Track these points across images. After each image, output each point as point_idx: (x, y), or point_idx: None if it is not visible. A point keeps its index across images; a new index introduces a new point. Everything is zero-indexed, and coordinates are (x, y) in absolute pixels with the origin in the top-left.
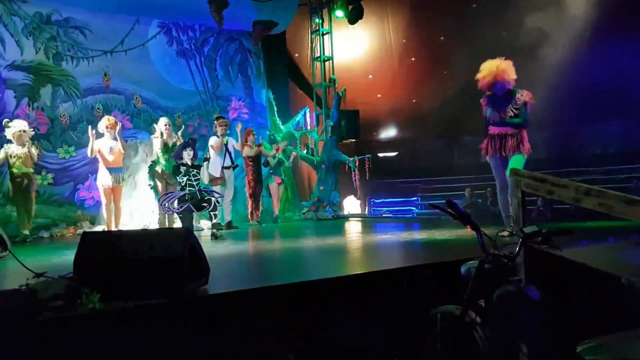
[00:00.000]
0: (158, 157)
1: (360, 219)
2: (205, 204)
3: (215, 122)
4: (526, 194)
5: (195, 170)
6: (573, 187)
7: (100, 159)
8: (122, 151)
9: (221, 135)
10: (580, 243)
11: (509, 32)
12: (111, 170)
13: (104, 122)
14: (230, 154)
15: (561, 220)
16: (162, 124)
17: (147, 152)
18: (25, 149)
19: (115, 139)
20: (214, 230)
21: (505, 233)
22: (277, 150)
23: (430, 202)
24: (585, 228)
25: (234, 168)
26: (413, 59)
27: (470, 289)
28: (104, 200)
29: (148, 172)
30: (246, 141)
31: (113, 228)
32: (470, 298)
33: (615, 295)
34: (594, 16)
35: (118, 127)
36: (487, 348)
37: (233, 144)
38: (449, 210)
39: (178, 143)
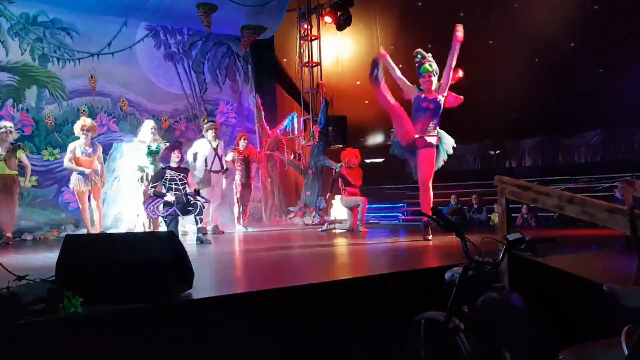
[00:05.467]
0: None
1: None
2: (191, 208)
3: (206, 125)
4: (510, 202)
5: (181, 174)
6: (556, 195)
7: (73, 162)
8: (96, 155)
9: (213, 139)
10: (563, 251)
11: (495, 40)
12: (83, 173)
13: (79, 124)
14: (220, 158)
15: (545, 228)
16: (147, 127)
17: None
18: (9, 150)
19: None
20: (200, 235)
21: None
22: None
23: (416, 208)
24: (568, 236)
25: (223, 172)
26: (401, 65)
27: (454, 296)
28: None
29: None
30: (237, 145)
31: (92, 231)
32: (454, 304)
33: (596, 302)
34: (578, 26)
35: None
36: (471, 354)
37: (230, 158)
38: (434, 216)
39: (162, 146)
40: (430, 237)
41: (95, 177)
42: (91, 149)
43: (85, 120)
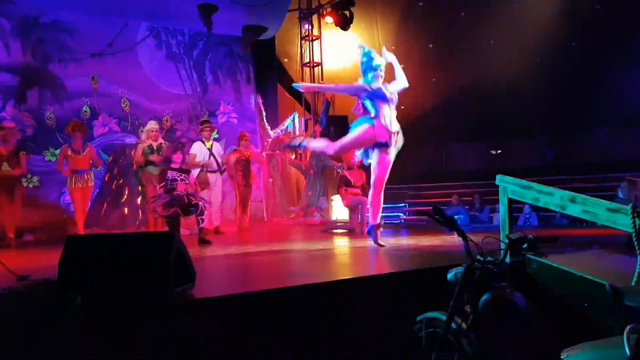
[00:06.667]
0: (145, 161)
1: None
2: (192, 208)
3: (200, 126)
4: (513, 201)
5: (183, 175)
6: (559, 195)
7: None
8: (86, 153)
9: (206, 139)
10: (565, 250)
11: (496, 40)
12: (77, 171)
13: (68, 126)
14: (216, 158)
15: (547, 227)
16: (149, 127)
17: (134, 155)
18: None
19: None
20: (201, 235)
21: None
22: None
23: (418, 208)
24: (570, 235)
25: (221, 172)
26: (402, 66)
27: (457, 295)
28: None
29: (135, 176)
30: (238, 145)
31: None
32: (456, 304)
33: (599, 302)
34: (579, 25)
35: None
36: (473, 354)
37: (219, 151)
38: (436, 216)
39: (163, 146)
40: (382, 243)
41: (87, 176)
42: (81, 148)
43: (74, 122)
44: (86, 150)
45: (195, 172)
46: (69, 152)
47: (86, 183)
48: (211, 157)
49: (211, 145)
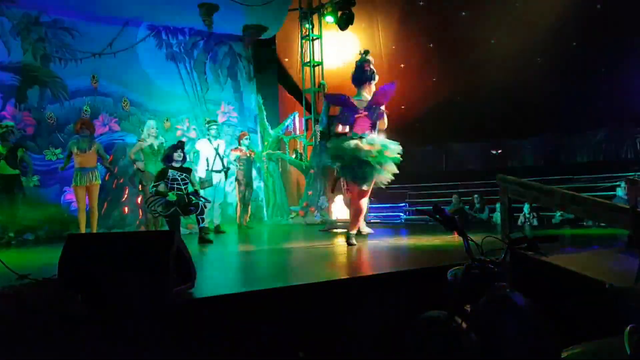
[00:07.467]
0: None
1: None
2: (192, 208)
3: (207, 125)
4: (513, 201)
5: (183, 174)
6: (559, 195)
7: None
8: (92, 151)
9: (212, 138)
10: (565, 250)
11: (497, 40)
12: (82, 169)
13: (76, 124)
14: (220, 157)
15: (547, 227)
16: (149, 126)
17: (134, 155)
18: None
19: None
20: (202, 234)
21: None
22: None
23: (418, 207)
24: (570, 235)
25: (225, 172)
26: (402, 65)
27: (457, 295)
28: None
29: (135, 175)
30: (239, 144)
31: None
32: (457, 303)
33: (599, 301)
34: (580, 25)
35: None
36: (473, 353)
37: (231, 155)
38: (436, 215)
39: (164, 145)
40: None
41: (92, 174)
42: (86, 145)
43: (82, 119)
44: (93, 148)
45: (203, 173)
46: (76, 150)
47: (91, 181)
48: (217, 156)
49: (217, 145)
